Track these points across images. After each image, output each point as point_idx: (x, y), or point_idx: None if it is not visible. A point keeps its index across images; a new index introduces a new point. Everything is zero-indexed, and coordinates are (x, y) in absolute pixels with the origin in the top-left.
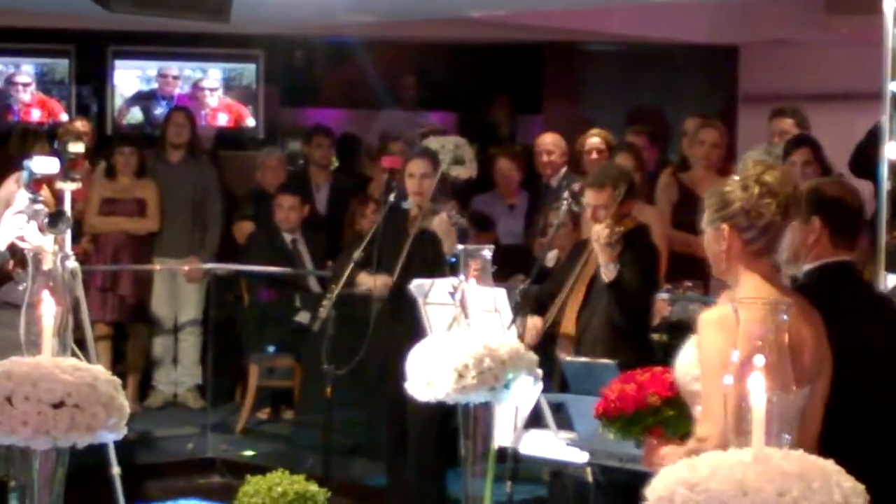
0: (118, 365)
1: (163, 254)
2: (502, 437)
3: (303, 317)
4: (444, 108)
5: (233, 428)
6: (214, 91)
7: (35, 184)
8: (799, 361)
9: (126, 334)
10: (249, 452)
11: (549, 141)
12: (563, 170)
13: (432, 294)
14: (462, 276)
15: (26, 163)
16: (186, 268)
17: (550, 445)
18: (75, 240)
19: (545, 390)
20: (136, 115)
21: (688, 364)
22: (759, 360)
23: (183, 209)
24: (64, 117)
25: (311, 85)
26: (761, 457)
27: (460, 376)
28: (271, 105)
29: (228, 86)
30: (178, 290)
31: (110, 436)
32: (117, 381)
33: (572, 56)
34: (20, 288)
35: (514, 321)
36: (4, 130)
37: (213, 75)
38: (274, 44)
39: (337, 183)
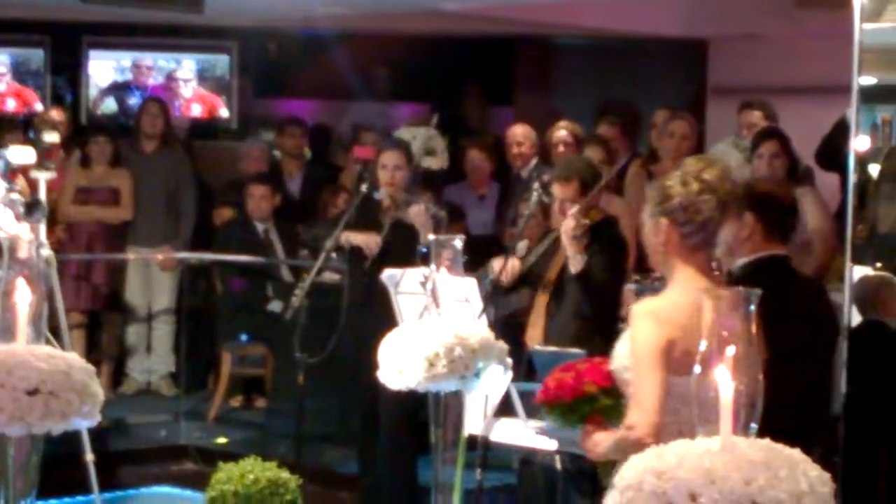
0: (92, 353)
1: (136, 243)
2: (472, 425)
3: (275, 305)
4: (416, 100)
5: (205, 415)
6: (188, 82)
7: (11, 173)
8: None
9: (100, 322)
10: (222, 440)
11: (520, 132)
12: (534, 161)
13: (403, 283)
14: (433, 266)
15: (2, 152)
16: (160, 257)
17: (520, 433)
18: (49, 228)
19: (513, 379)
20: (110, 105)
21: (622, 355)
22: (731, 349)
23: (157, 199)
24: (39, 107)
25: (285, 76)
26: (728, 445)
27: (431, 365)
28: (245, 96)
29: (202, 77)
30: (151, 278)
31: (84, 423)
32: (91, 368)
33: (544, 49)
34: None
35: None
36: None
37: (187, 66)
38: (247, 35)
39: (310, 173)
